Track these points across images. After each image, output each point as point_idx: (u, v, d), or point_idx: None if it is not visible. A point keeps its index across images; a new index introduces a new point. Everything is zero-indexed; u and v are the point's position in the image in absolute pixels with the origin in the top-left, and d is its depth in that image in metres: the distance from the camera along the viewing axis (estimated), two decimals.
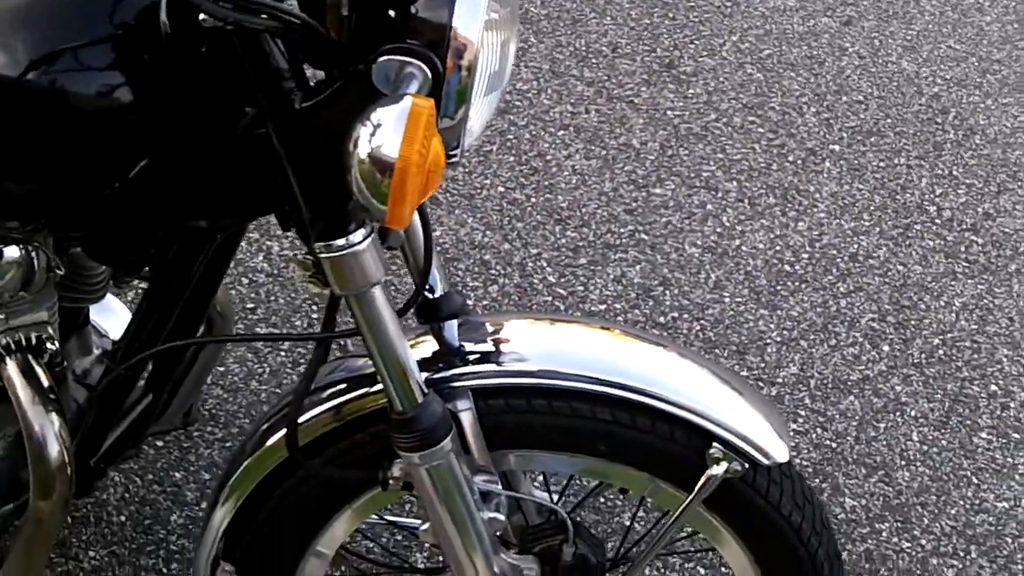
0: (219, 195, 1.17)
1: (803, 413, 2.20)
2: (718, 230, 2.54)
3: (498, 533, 1.26)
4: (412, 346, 1.24)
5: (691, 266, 2.45)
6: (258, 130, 1.07)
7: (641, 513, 1.85)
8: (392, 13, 0.98)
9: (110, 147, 1.11)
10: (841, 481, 2.09)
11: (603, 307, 2.32)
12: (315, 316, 2.19)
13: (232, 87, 1.06)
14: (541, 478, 1.50)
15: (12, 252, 1.20)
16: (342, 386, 1.25)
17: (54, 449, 1.29)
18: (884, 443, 2.17)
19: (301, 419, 1.24)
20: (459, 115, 1.01)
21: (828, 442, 2.16)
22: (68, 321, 1.43)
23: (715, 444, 1.17)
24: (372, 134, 0.90)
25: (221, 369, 2.07)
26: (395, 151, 0.89)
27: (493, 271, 2.37)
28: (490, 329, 1.30)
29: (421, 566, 1.82)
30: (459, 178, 2.56)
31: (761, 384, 2.23)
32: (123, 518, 1.87)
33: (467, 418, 1.21)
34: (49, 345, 1.29)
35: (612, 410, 1.21)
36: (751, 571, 1.28)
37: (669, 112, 2.83)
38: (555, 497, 1.45)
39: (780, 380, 2.25)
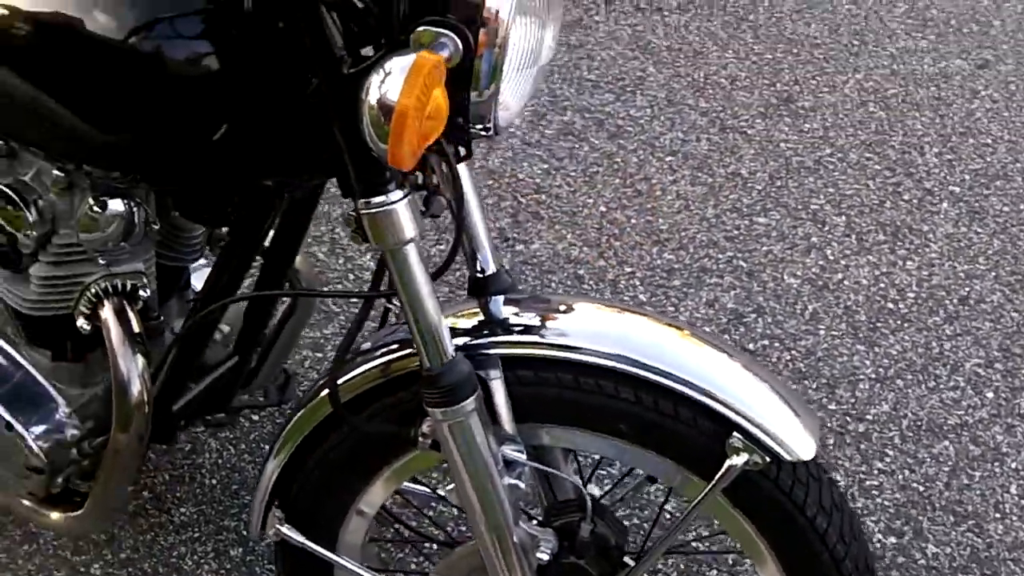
0: (287, 156, 1.24)
1: (891, 453, 2.13)
2: (820, 263, 2.50)
3: (521, 503, 1.28)
4: (457, 316, 1.29)
5: (788, 296, 2.41)
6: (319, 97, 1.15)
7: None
8: None
9: (196, 108, 1.19)
10: (926, 526, 2.01)
11: None
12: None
13: (299, 57, 1.14)
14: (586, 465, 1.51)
15: (116, 205, 1.30)
16: (393, 346, 1.30)
17: (135, 387, 1.39)
18: (978, 492, 2.08)
19: (349, 375, 1.30)
20: (490, 90, 1.07)
21: (915, 485, 2.08)
22: (168, 280, 1.53)
23: (736, 433, 1.16)
24: (382, 82, 0.99)
25: (319, 355, 2.16)
26: (396, 96, 0.96)
27: (585, 285, 2.39)
28: (533, 305, 1.32)
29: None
30: (563, 195, 2.60)
31: (849, 419, 2.17)
32: (214, 481, 1.96)
33: (496, 386, 1.24)
34: (142, 292, 1.39)
35: (636, 391, 1.20)
36: (776, 574, 1.25)
37: (782, 144, 2.80)
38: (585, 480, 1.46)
39: (870, 417, 2.19)
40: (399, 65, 0.98)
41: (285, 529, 1.42)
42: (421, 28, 1.03)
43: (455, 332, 1.27)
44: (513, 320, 1.29)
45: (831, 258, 2.51)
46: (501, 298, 1.31)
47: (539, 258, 2.43)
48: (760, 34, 3.12)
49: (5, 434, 1.49)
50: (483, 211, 1.35)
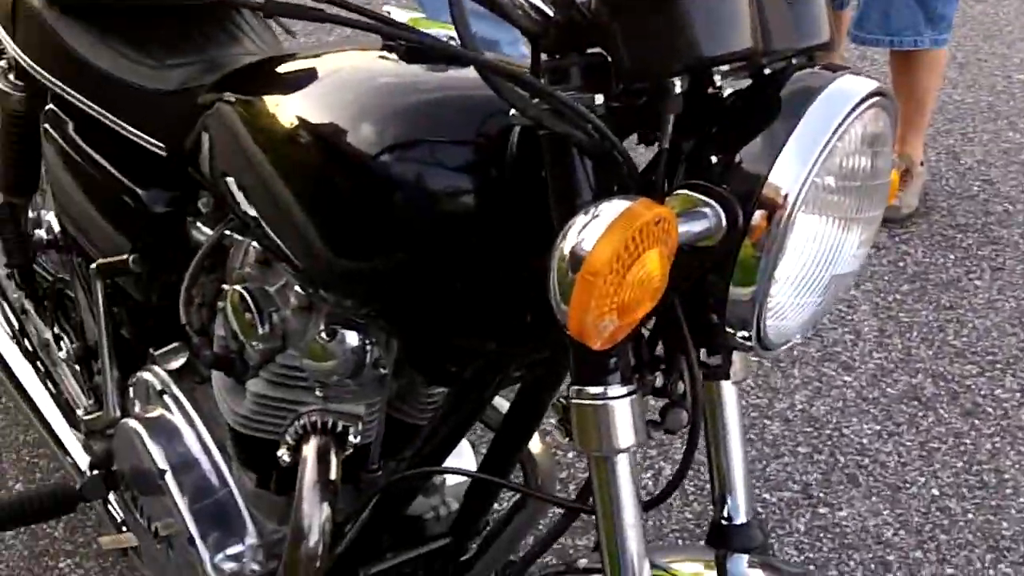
0: (513, 320, 1.08)
1: None
2: None
3: None
4: (681, 561, 1.06)
5: None
6: None
7: None
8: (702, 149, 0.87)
9: (443, 247, 1.08)
10: None
11: None
12: None
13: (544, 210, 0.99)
14: None
15: (348, 337, 1.19)
16: None
17: (313, 537, 1.26)
18: None
19: None
20: (755, 287, 0.86)
21: None
22: (398, 436, 1.40)
23: None
24: (583, 227, 0.79)
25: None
26: (590, 245, 0.77)
27: (890, 575, 1.99)
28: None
29: None
30: (891, 466, 2.22)
31: None
32: None
33: None
34: (352, 438, 1.27)
35: None
36: None
37: None
38: None
39: None
40: (609, 210, 0.78)
41: None
42: (682, 192, 0.84)
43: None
44: None
45: None
46: (745, 558, 1.06)
47: (843, 529, 2.06)
48: None
49: (188, 548, 1.40)
50: (745, 448, 1.11)
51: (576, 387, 0.93)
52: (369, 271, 1.13)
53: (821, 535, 2.05)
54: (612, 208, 0.78)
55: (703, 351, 1.03)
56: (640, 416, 0.93)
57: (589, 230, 0.78)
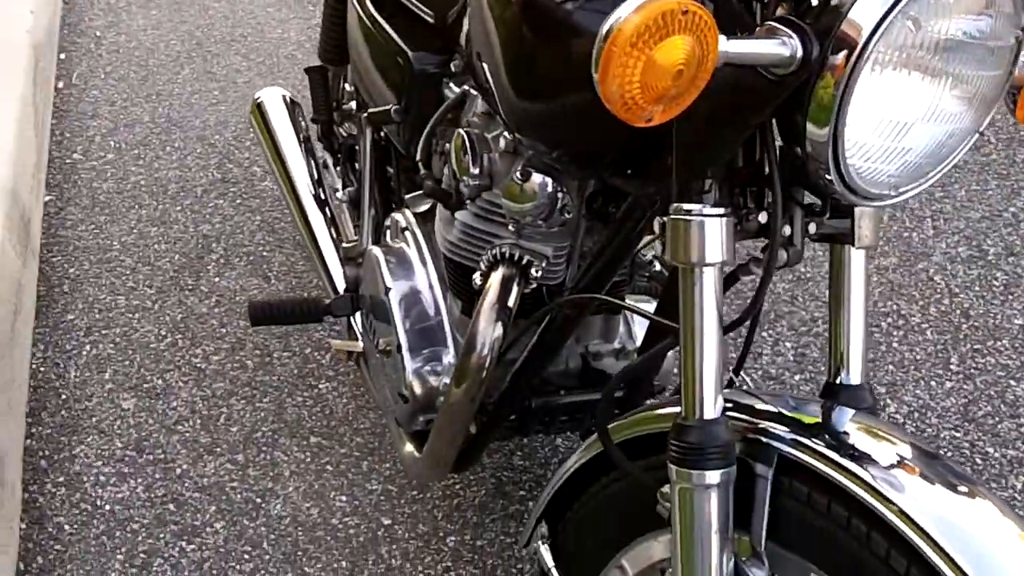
0: (649, 162, 1.18)
1: None
2: None
3: None
4: (790, 402, 1.12)
5: None
6: None
7: None
8: None
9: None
10: None
11: None
12: None
13: None
14: None
15: (539, 180, 1.33)
16: None
17: (482, 350, 1.42)
18: None
19: (637, 414, 1.20)
20: (829, 126, 0.92)
21: None
22: None
23: None
24: (622, 9, 0.85)
25: None
26: (617, 24, 0.83)
27: None
28: (885, 435, 1.08)
29: None
30: None
31: None
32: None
33: (761, 486, 1.04)
34: (534, 272, 1.41)
35: (911, 566, 0.94)
36: None
37: None
38: None
39: None
40: None
41: (543, 550, 1.34)
42: (767, 24, 0.91)
43: (763, 414, 1.10)
44: (842, 436, 1.08)
45: None
46: (850, 412, 1.11)
47: None
48: None
49: (394, 353, 1.62)
50: (867, 314, 1.15)
51: (675, 204, 1.02)
52: (548, 115, 1.25)
53: None
54: None
55: (825, 217, 1.10)
56: (729, 237, 1.01)
57: (623, 9, 0.84)
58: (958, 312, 2.40)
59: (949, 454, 2.06)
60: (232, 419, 2.18)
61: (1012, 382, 2.22)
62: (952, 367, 2.26)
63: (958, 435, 2.10)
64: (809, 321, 2.35)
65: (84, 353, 2.35)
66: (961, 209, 2.73)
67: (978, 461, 2.05)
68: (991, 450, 2.07)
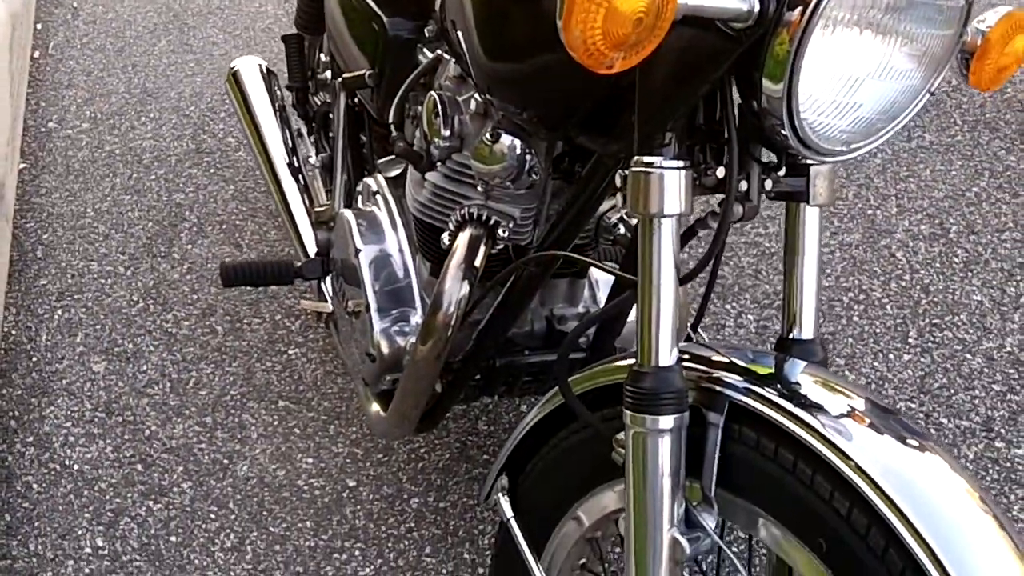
0: (614, 121, 1.21)
1: None
2: None
3: (681, 564, 1.09)
4: (743, 353, 1.16)
5: None
6: None
7: None
8: None
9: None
10: None
11: None
12: None
13: None
14: None
15: (507, 141, 1.36)
16: None
17: (448, 308, 1.45)
18: None
19: (599, 366, 1.23)
20: (782, 83, 0.95)
21: None
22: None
23: None
24: None
25: None
26: None
27: None
28: (837, 388, 1.12)
29: None
30: None
31: None
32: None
33: (712, 432, 1.08)
34: (501, 232, 1.43)
35: (853, 507, 0.98)
36: None
37: None
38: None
39: None
40: None
41: (503, 501, 1.37)
42: None
43: (718, 365, 1.13)
44: (793, 386, 1.11)
45: None
46: (802, 364, 1.15)
47: (1015, 465, 2.02)
48: None
49: (363, 314, 1.65)
50: (820, 270, 1.19)
51: (636, 157, 1.06)
52: (518, 76, 1.29)
53: (988, 466, 2.02)
54: None
55: (781, 173, 1.13)
56: (687, 189, 1.04)
57: None
58: (918, 288, 2.45)
59: None
60: (201, 383, 2.21)
61: (968, 356, 2.27)
62: (910, 341, 2.31)
63: (913, 406, 2.15)
64: (772, 295, 2.39)
65: (56, 317, 2.37)
66: (925, 188, 2.78)
67: (932, 431, 2.09)
68: (945, 420, 2.12)
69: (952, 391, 2.19)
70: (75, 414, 2.13)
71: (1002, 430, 2.10)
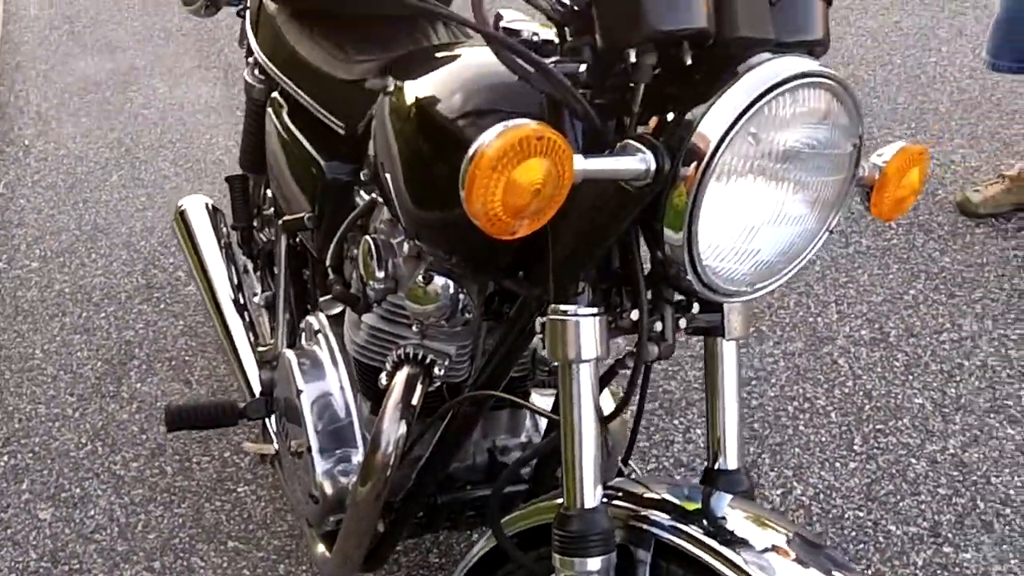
0: (539, 267, 1.25)
1: None
2: None
3: None
4: (671, 488, 1.18)
5: None
6: None
7: None
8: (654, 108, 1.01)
9: None
10: None
11: None
12: None
13: None
14: None
15: (441, 283, 1.40)
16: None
17: (387, 448, 1.47)
18: None
19: (531, 504, 1.25)
20: (682, 233, 1.00)
21: None
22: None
23: None
24: (488, 135, 0.93)
25: None
26: (484, 140, 0.92)
27: None
28: (765, 522, 1.14)
29: None
30: None
31: None
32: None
33: (640, 571, 1.10)
34: (437, 371, 1.46)
35: None
36: None
37: None
38: None
39: None
40: (508, 125, 0.93)
41: None
42: (625, 140, 1.00)
43: (646, 502, 1.15)
44: (720, 521, 1.14)
45: None
46: (728, 497, 1.18)
47: (964, 570, 2.03)
48: None
49: (305, 455, 1.66)
50: (740, 401, 1.23)
51: (552, 306, 1.10)
52: (442, 224, 1.33)
53: (938, 572, 2.04)
54: (511, 124, 0.93)
55: (696, 308, 1.17)
56: (603, 335, 1.09)
57: (486, 135, 0.92)
58: (861, 393, 2.49)
59: (853, 533, 2.13)
60: (150, 526, 2.19)
61: (912, 460, 2.30)
62: (856, 448, 2.34)
63: (861, 514, 2.17)
64: None
65: (2, 464, 2.35)
66: (864, 293, 2.85)
67: (881, 539, 2.11)
68: (893, 528, 2.14)
69: (899, 497, 2.21)
70: (20, 565, 2.10)
71: (949, 534, 2.12)
